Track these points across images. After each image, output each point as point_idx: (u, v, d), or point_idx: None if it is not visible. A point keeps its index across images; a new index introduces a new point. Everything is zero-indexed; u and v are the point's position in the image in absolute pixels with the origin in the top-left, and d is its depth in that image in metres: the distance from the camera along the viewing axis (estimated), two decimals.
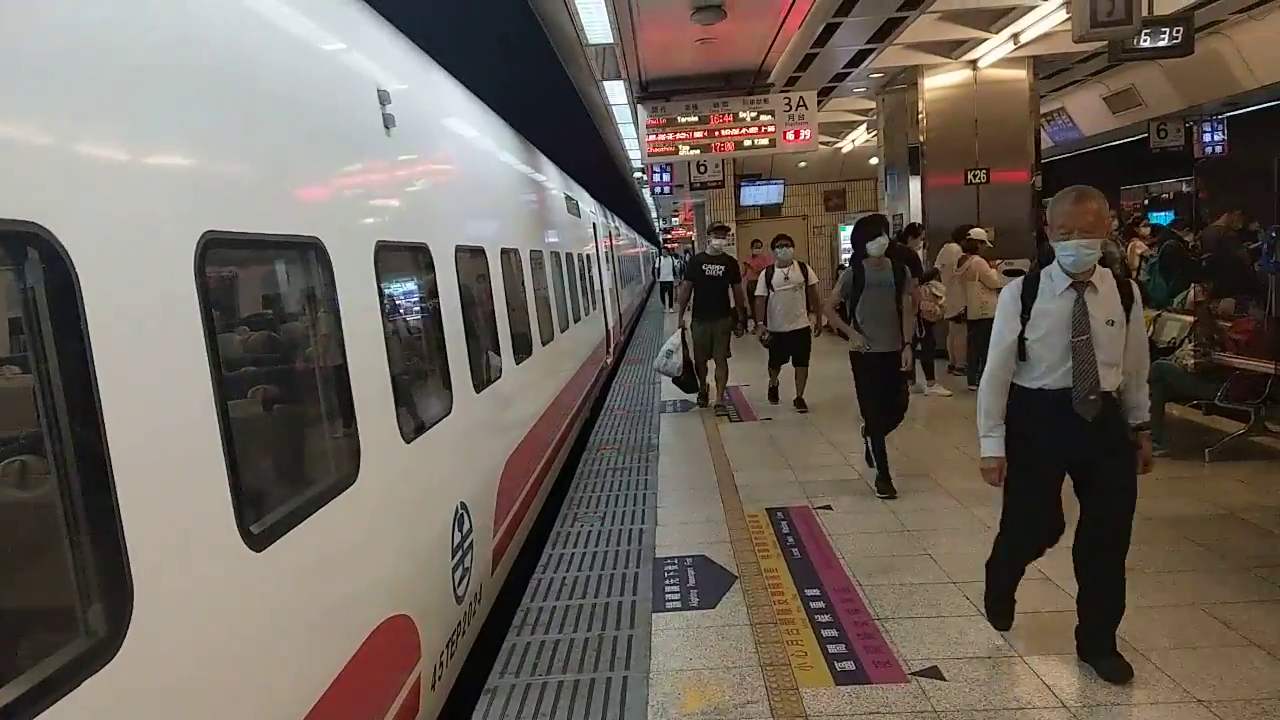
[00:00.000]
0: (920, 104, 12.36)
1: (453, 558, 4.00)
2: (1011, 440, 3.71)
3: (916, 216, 12.60)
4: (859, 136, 18.45)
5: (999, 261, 10.32)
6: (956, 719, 3.42)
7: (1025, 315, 3.61)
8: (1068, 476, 3.71)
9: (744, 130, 11.97)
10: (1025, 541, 3.93)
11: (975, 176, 12.06)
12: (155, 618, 1.86)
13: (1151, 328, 7.13)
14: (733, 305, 9.89)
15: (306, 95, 3.09)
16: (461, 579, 4.11)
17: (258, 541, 2.31)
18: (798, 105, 11.88)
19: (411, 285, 4.20)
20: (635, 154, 17.77)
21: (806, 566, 5.04)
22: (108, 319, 1.83)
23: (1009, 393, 3.71)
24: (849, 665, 3.88)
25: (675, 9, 8.78)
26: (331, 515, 2.77)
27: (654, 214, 46.83)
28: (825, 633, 4.20)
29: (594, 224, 14.53)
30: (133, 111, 2.05)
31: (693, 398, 10.27)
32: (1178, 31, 8.32)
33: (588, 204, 14.26)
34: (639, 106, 12.19)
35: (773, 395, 10.12)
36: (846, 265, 10.12)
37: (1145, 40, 8.23)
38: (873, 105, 15.25)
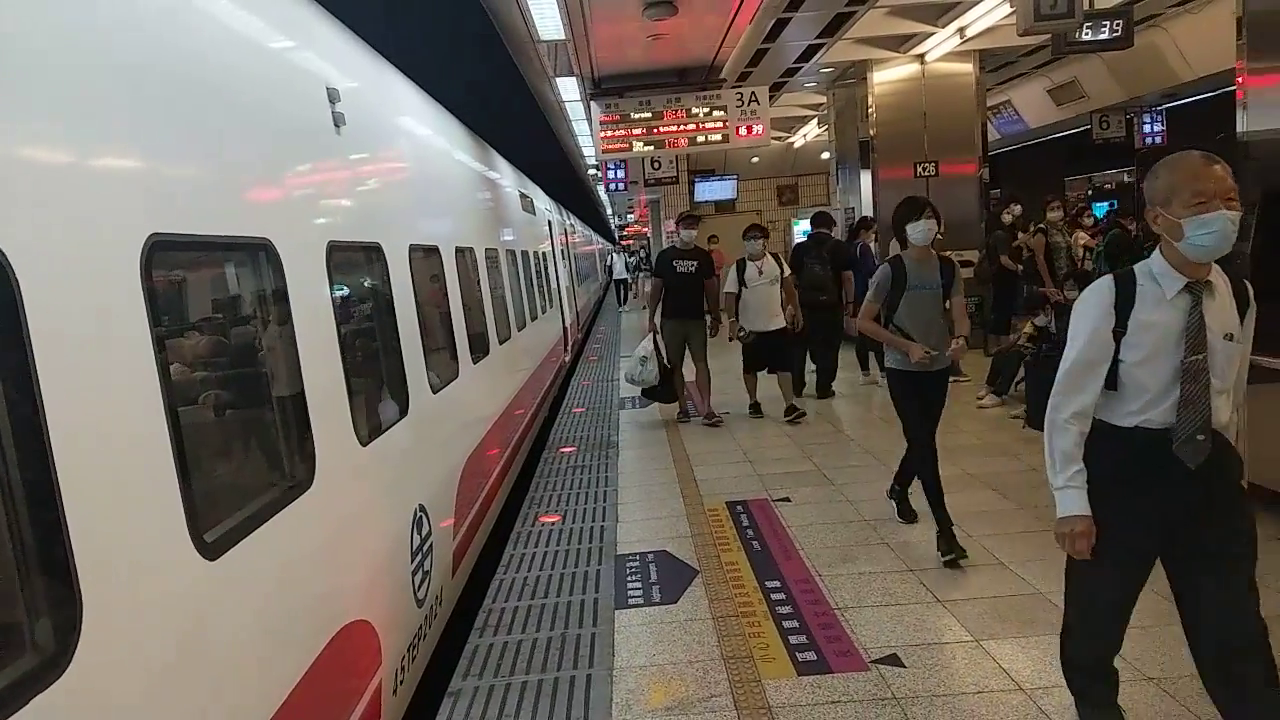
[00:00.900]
0: (870, 98, 12.54)
1: (412, 561, 3.97)
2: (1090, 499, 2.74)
3: (868, 209, 12.77)
4: (810, 131, 18.65)
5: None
6: (917, 704, 3.47)
7: (1121, 329, 2.68)
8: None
9: (697, 125, 12.00)
10: (1086, 653, 3.03)
11: (925, 169, 12.26)
12: (105, 632, 1.81)
13: None
14: (707, 304, 8.87)
15: (254, 93, 3.03)
16: (421, 582, 4.07)
17: (211, 550, 2.27)
18: (750, 100, 11.94)
19: (365, 285, 4.15)
20: (589, 150, 17.71)
21: (767, 558, 5.08)
22: (50, 325, 1.78)
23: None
24: (810, 655, 3.92)
25: (627, 5, 8.76)
26: (287, 521, 2.73)
27: (609, 210, 46.79)
28: (786, 624, 4.24)
29: (549, 221, 14.48)
30: (74, 111, 1.99)
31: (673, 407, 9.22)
32: (1118, 25, 8.52)
33: (543, 201, 14.20)
34: (592, 103, 12.16)
35: (756, 410, 9.01)
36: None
37: (1087, 33, 8.42)
38: (824, 100, 15.43)
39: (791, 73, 12.60)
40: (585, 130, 15.36)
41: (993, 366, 8.85)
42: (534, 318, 10.34)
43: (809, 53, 11.50)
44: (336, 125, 3.72)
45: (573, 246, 19.93)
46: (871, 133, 12.70)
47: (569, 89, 12.59)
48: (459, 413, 5.51)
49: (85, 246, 1.97)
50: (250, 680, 2.45)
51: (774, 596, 4.57)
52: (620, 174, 15.81)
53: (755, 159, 20.66)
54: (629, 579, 4.93)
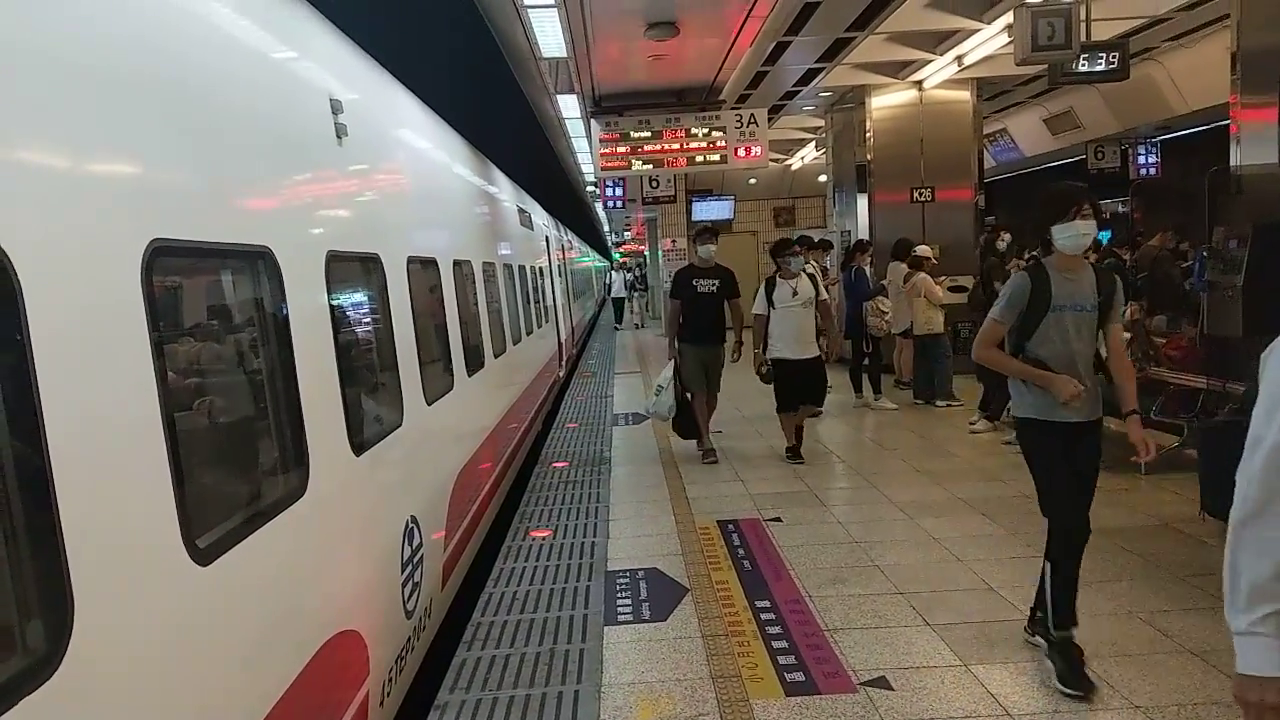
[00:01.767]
0: (868, 123, 12.64)
1: (402, 572, 3.96)
2: None
3: (865, 233, 12.83)
4: (808, 154, 18.77)
5: (944, 278, 10.55)
6: None
7: None
8: None
9: (696, 146, 12.08)
10: None
11: (921, 194, 12.35)
12: (96, 634, 1.81)
13: None
14: (730, 326, 7.93)
15: (258, 103, 3.06)
16: (411, 594, 4.06)
17: (203, 555, 2.27)
18: (749, 122, 12.03)
19: (362, 296, 4.16)
20: (588, 168, 17.80)
21: (757, 578, 5.08)
22: (50, 328, 1.79)
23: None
24: (799, 676, 3.91)
25: (629, 25, 8.85)
26: (279, 528, 2.73)
27: (606, 227, 46.89)
28: (775, 644, 4.23)
29: (547, 237, 14.52)
30: (78, 118, 2.01)
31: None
32: (1114, 57, 8.62)
33: (540, 217, 14.25)
34: (592, 121, 12.25)
35: (794, 455, 7.77)
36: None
37: (1084, 65, 8.51)
38: (822, 123, 15.54)
39: (790, 96, 12.72)
40: (585, 147, 15.44)
41: (985, 392, 8.88)
42: (529, 332, 10.35)
43: (808, 76, 11.64)
44: (338, 136, 3.75)
45: (569, 263, 19.96)
46: (869, 157, 12.80)
47: (569, 106, 12.68)
48: (453, 425, 5.51)
49: (87, 250, 1.98)
50: (238, 686, 2.44)
51: (763, 616, 4.56)
52: (619, 192, 15.89)
53: (753, 180, 20.76)
54: (619, 595, 4.92)
